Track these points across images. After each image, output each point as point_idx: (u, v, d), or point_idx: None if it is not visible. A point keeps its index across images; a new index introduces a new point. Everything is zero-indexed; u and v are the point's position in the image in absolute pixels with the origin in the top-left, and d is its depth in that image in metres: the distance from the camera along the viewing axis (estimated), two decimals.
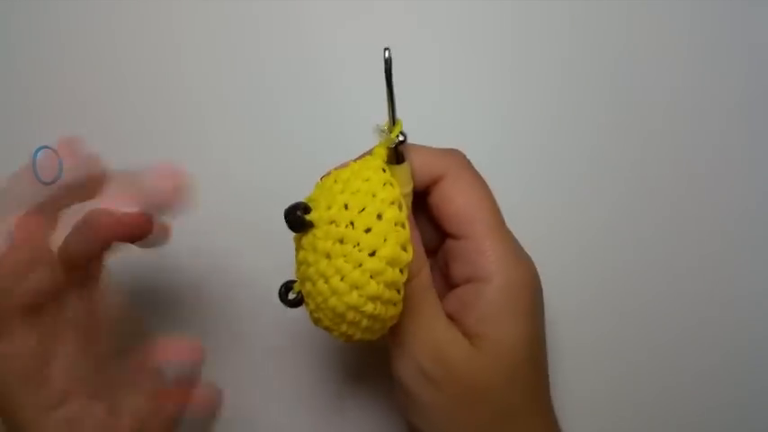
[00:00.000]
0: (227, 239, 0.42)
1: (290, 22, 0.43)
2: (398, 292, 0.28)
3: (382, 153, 0.28)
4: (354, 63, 0.42)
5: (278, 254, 0.38)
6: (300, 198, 0.29)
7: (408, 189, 0.30)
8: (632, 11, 0.43)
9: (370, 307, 0.27)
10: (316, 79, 0.43)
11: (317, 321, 0.29)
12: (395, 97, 0.28)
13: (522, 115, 0.43)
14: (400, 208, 0.27)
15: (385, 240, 0.26)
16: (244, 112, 0.43)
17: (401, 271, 0.27)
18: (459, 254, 0.31)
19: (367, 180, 0.27)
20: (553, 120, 0.43)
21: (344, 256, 0.26)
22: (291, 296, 0.30)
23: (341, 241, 0.26)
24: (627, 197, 0.42)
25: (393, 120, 0.28)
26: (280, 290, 0.30)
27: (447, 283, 0.32)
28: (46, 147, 0.42)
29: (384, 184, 0.27)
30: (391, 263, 0.26)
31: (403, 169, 0.29)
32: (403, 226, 0.27)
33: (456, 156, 0.32)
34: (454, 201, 0.31)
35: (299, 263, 0.30)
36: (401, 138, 0.28)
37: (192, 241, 0.41)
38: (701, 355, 0.42)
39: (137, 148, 0.41)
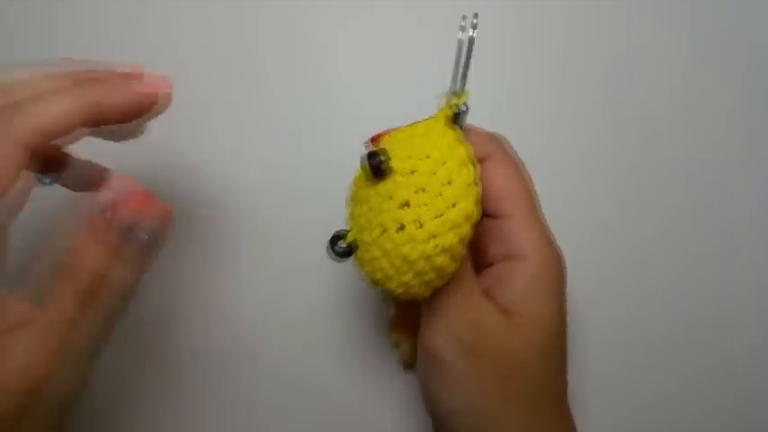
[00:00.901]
0: (227, 238, 0.42)
1: (291, 20, 0.43)
2: (463, 248, 0.28)
3: (445, 115, 0.28)
4: (354, 60, 0.42)
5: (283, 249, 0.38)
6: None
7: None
8: (632, 11, 0.43)
9: (441, 258, 0.27)
10: (316, 77, 0.43)
11: (372, 272, 0.29)
12: (470, 66, 0.28)
13: (522, 114, 0.43)
14: (474, 166, 0.27)
15: (465, 194, 0.26)
16: (244, 111, 0.43)
17: (472, 227, 0.27)
18: (497, 233, 0.32)
19: (443, 136, 0.27)
20: (553, 119, 0.43)
21: (426, 204, 0.26)
22: (341, 247, 0.29)
23: (423, 190, 0.26)
24: (627, 195, 0.42)
25: (463, 86, 0.28)
26: (330, 240, 0.29)
27: (480, 260, 0.33)
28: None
29: (459, 142, 0.27)
30: (468, 218, 0.27)
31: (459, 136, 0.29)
32: (476, 184, 0.27)
33: (501, 140, 0.34)
34: (495, 182, 0.32)
35: (361, 211, 0.29)
36: (464, 108, 0.28)
37: (192, 240, 0.41)
38: (707, 350, 0.42)
39: (136, 148, 0.41)
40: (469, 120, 0.30)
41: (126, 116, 0.28)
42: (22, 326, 0.26)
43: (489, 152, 0.33)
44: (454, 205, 0.26)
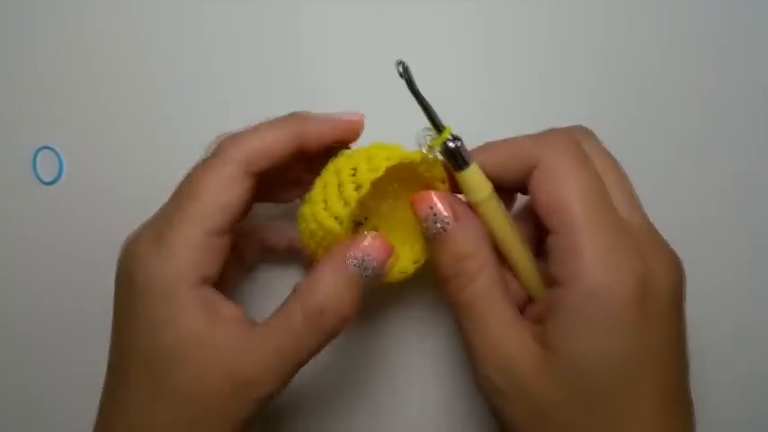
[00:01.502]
0: None
1: (289, 24, 0.43)
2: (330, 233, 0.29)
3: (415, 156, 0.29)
4: (356, 66, 0.42)
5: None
6: None
7: (483, 194, 0.29)
8: (634, 11, 0.43)
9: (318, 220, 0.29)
10: (316, 80, 0.43)
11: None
12: (428, 104, 0.29)
13: (521, 114, 0.43)
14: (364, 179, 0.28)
15: (346, 185, 0.28)
16: (243, 111, 0.43)
17: (336, 218, 0.29)
18: (553, 250, 0.28)
19: (406, 153, 0.29)
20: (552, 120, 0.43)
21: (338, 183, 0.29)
22: None
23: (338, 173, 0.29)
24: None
25: (437, 127, 0.29)
26: None
27: (547, 282, 0.30)
28: (46, 147, 0.42)
29: (409, 159, 0.29)
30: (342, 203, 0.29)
31: (470, 174, 0.29)
32: (358, 188, 0.28)
33: (554, 138, 0.29)
34: (544, 190, 0.28)
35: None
36: (451, 144, 0.29)
37: None
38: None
39: (136, 147, 0.42)
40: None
41: (330, 141, 0.31)
42: (244, 324, 0.28)
43: (535, 158, 0.29)
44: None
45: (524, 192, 0.30)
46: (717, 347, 0.39)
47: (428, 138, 0.29)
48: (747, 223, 0.40)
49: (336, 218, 0.29)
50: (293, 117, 0.30)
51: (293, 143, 0.30)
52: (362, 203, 0.29)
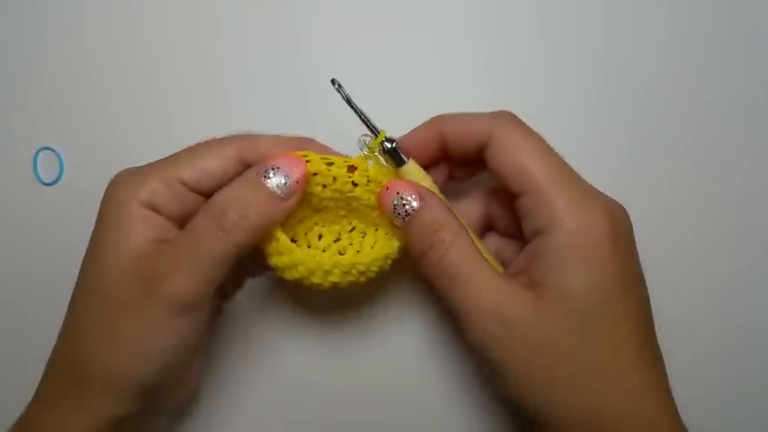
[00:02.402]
0: None
1: (287, 24, 0.43)
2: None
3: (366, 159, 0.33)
4: (354, 63, 0.42)
5: None
6: None
7: (426, 182, 0.34)
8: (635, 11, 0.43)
9: None
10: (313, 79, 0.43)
11: None
12: (365, 116, 0.33)
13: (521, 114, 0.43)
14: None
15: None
16: (243, 110, 0.43)
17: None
18: (525, 210, 0.31)
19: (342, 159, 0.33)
20: (551, 120, 0.43)
21: None
22: None
23: None
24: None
25: (373, 131, 0.33)
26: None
27: (523, 241, 0.32)
28: (46, 147, 0.43)
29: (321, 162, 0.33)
30: None
31: (408, 169, 0.34)
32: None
33: (499, 117, 0.32)
34: (504, 159, 0.31)
35: None
36: (388, 144, 0.33)
37: None
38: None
39: (134, 146, 0.42)
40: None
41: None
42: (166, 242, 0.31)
43: (486, 133, 0.32)
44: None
45: (475, 167, 0.35)
46: (704, 349, 0.39)
47: (367, 140, 0.33)
48: (748, 223, 0.40)
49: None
50: (297, 137, 0.34)
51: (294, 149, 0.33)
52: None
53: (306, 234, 0.34)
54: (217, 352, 0.40)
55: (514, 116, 0.33)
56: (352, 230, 0.35)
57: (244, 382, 0.41)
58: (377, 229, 0.34)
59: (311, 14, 0.41)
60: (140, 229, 0.31)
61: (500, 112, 0.33)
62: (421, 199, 0.31)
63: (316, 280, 0.32)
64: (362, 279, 0.32)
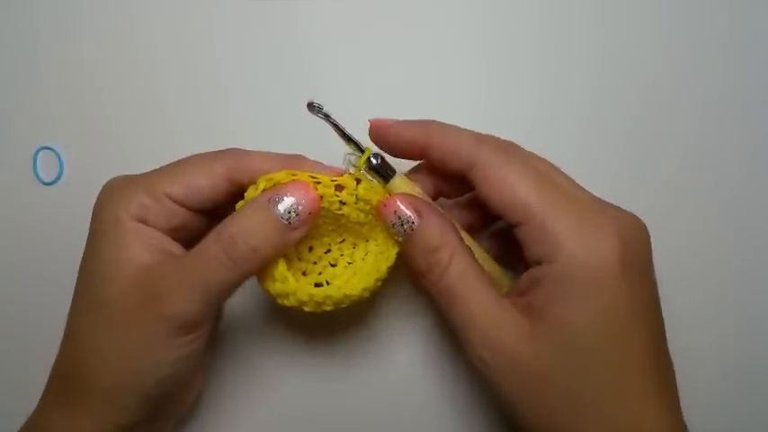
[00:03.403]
0: None
1: (286, 24, 0.43)
2: None
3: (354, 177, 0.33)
4: (353, 63, 0.42)
5: None
6: None
7: (415, 192, 0.33)
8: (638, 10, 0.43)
9: None
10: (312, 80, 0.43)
11: None
12: (349, 134, 0.33)
13: (521, 114, 0.43)
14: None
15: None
16: (243, 110, 0.43)
17: None
18: (522, 240, 0.30)
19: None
20: (551, 120, 0.43)
21: None
22: None
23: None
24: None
25: (358, 148, 0.33)
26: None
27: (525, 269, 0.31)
28: (46, 147, 0.43)
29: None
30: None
31: (396, 183, 0.33)
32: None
33: (486, 141, 0.31)
34: (494, 190, 0.30)
35: None
36: (373, 161, 0.33)
37: None
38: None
39: (134, 146, 0.42)
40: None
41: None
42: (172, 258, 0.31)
43: (472, 156, 0.30)
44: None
45: (465, 185, 0.33)
46: (704, 347, 0.39)
47: (353, 158, 0.33)
48: (748, 223, 0.40)
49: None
50: (287, 155, 0.33)
51: (285, 168, 0.32)
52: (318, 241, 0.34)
53: (296, 246, 0.34)
54: (214, 363, 0.40)
55: (501, 141, 0.31)
56: (342, 242, 0.35)
57: (242, 391, 0.41)
58: (367, 240, 0.34)
59: (311, 14, 0.41)
60: (136, 243, 0.31)
61: (482, 137, 0.31)
62: (419, 216, 0.31)
63: (308, 309, 0.32)
64: (355, 302, 0.33)
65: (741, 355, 0.39)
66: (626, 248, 0.28)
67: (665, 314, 0.30)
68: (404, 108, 0.40)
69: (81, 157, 0.42)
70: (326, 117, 0.32)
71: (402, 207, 0.31)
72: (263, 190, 0.31)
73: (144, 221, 0.31)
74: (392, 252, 0.33)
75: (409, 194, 0.32)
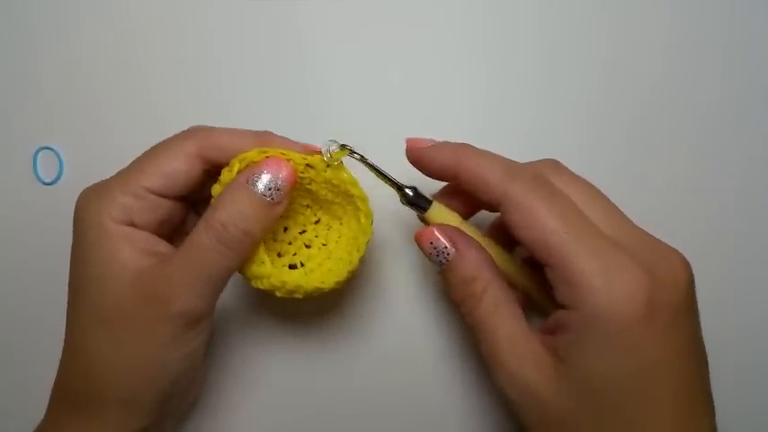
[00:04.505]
0: None
1: (287, 24, 0.43)
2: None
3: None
4: (353, 63, 0.42)
5: None
6: None
7: (454, 221, 0.33)
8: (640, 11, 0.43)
9: None
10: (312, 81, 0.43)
11: None
12: (386, 174, 0.33)
13: (521, 114, 0.43)
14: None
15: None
16: (243, 111, 0.43)
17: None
18: (551, 281, 0.29)
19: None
20: (550, 120, 0.43)
21: None
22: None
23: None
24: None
25: (397, 187, 0.33)
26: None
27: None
28: (46, 147, 0.43)
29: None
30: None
31: (434, 212, 0.33)
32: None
33: (521, 172, 0.30)
34: (522, 228, 0.29)
35: None
36: (410, 192, 0.33)
37: None
38: None
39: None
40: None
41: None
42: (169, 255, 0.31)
43: (502, 191, 0.29)
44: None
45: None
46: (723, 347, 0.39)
47: (332, 147, 0.32)
48: (749, 223, 0.40)
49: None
50: (257, 131, 0.33)
51: (250, 148, 0.32)
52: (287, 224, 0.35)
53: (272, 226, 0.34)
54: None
55: (534, 172, 0.30)
56: (317, 222, 0.35)
57: (239, 383, 0.41)
58: (341, 223, 0.35)
59: (311, 14, 0.41)
60: (126, 247, 0.31)
61: (520, 167, 0.30)
62: (454, 248, 0.31)
63: (279, 294, 0.32)
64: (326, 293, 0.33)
65: (741, 355, 0.39)
66: (655, 292, 0.26)
67: None
68: (404, 108, 0.41)
69: (81, 157, 0.42)
70: (362, 159, 0.33)
71: (439, 237, 0.31)
72: (239, 171, 0.31)
73: (131, 223, 0.31)
74: (362, 241, 0.33)
75: (446, 225, 0.32)
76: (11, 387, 0.42)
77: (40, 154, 0.42)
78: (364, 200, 0.33)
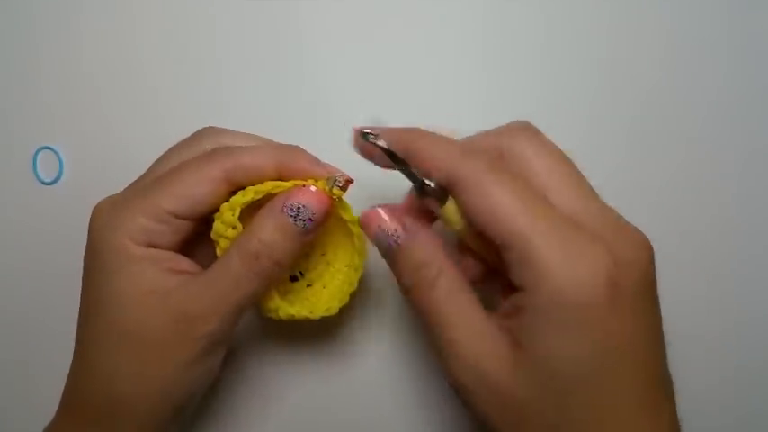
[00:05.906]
0: None
1: (288, 25, 0.43)
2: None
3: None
4: (353, 63, 0.42)
5: None
6: None
7: (461, 225, 0.30)
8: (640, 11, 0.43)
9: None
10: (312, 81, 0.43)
11: None
12: (409, 168, 0.30)
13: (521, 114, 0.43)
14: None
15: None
16: (243, 111, 0.43)
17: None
18: (507, 262, 0.27)
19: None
20: (550, 120, 0.43)
21: None
22: None
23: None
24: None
25: (416, 180, 0.29)
26: None
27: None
28: (46, 147, 0.43)
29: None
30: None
31: (448, 209, 0.29)
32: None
33: (472, 157, 0.28)
34: (475, 210, 0.27)
35: None
36: (431, 184, 0.30)
37: None
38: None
39: (135, 145, 0.42)
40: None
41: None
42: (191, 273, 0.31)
43: (454, 178, 0.28)
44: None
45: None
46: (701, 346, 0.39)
47: (339, 180, 0.31)
48: (749, 223, 0.40)
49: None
50: (281, 146, 0.33)
51: (274, 168, 0.32)
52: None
53: None
54: None
55: (492, 153, 0.29)
56: (322, 255, 0.36)
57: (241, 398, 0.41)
58: (336, 249, 0.35)
59: (311, 14, 0.41)
60: (149, 269, 0.30)
61: (480, 148, 0.29)
62: (405, 231, 0.30)
63: (285, 317, 0.33)
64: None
65: (741, 355, 0.39)
66: (616, 274, 0.25)
67: (664, 315, 0.29)
68: (404, 108, 0.40)
69: (81, 157, 0.42)
70: (387, 150, 0.30)
71: (386, 220, 0.30)
72: (254, 196, 0.31)
73: (153, 245, 0.31)
74: (359, 262, 0.33)
75: (393, 206, 0.31)
76: (10, 387, 0.42)
77: (40, 154, 0.42)
78: (355, 222, 0.32)
